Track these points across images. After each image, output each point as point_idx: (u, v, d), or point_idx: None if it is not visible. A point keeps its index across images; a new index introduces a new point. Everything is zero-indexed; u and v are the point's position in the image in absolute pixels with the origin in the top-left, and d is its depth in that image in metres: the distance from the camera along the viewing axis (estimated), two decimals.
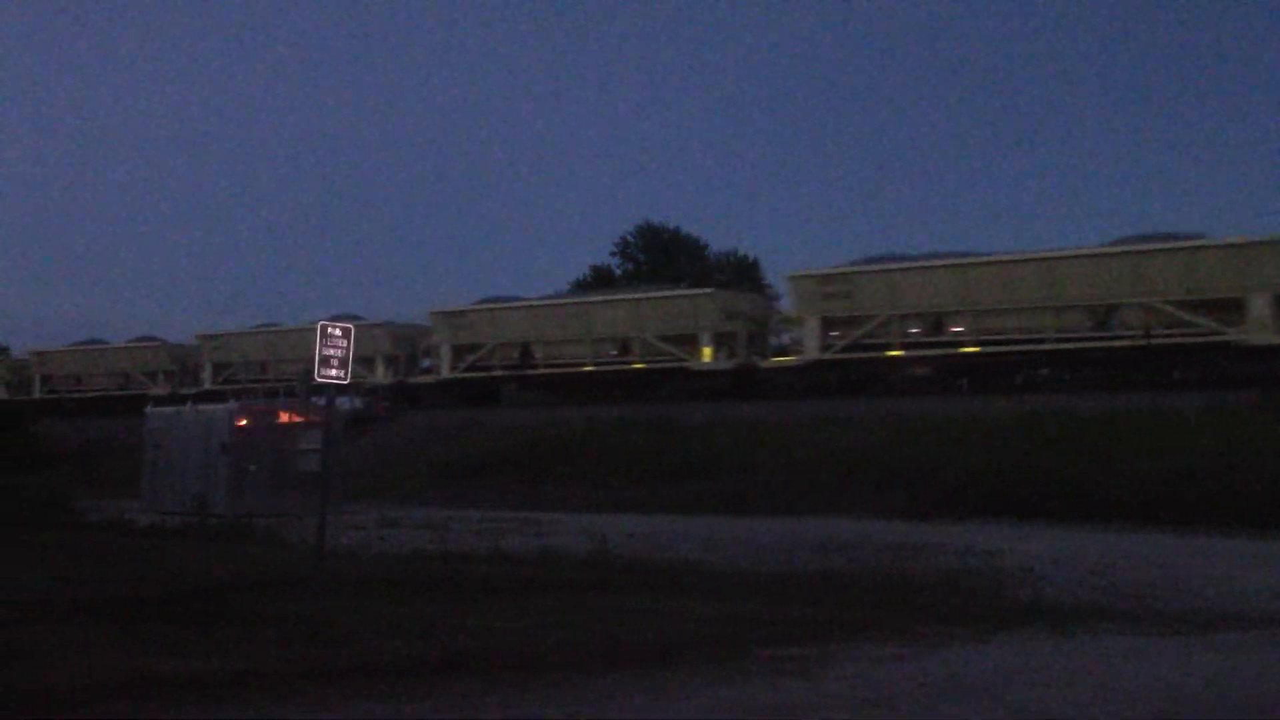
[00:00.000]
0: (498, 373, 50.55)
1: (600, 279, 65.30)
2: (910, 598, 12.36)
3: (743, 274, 63.08)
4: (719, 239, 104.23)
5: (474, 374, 50.65)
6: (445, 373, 51.01)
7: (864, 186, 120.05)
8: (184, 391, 53.09)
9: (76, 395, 62.34)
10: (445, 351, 51.18)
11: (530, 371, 49.74)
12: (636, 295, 48.60)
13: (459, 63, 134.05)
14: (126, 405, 52.69)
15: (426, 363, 53.31)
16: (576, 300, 50.67)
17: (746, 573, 14.97)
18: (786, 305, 46.66)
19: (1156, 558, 16.31)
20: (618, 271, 67.59)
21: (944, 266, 39.22)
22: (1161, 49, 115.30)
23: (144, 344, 62.74)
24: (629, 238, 69.19)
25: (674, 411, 38.45)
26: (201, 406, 29.94)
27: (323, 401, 14.50)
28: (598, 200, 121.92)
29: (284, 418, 28.10)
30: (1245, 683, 8.13)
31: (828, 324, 41.37)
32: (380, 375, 52.01)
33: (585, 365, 47.85)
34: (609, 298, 49.50)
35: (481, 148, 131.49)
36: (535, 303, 50.71)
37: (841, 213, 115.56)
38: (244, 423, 27.57)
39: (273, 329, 58.33)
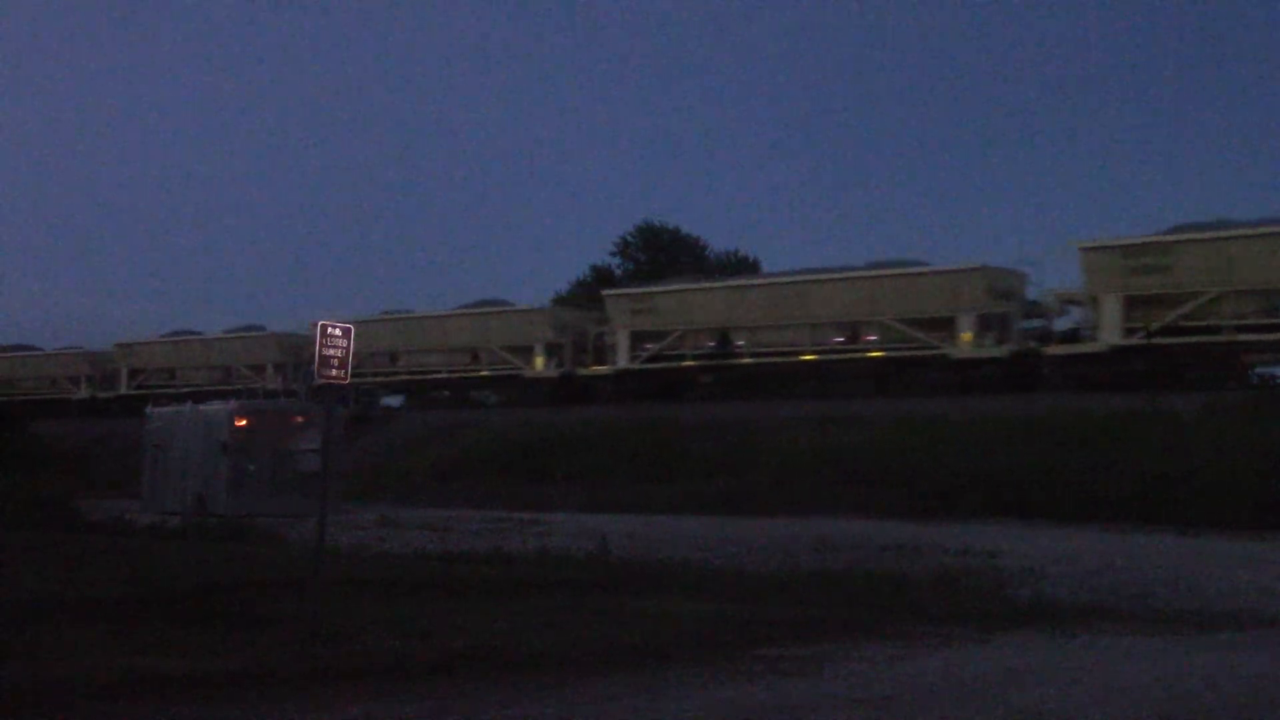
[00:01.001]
0: (689, 363, 43.49)
1: (600, 279, 65.30)
2: (910, 598, 12.37)
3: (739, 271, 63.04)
4: (719, 239, 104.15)
5: (659, 365, 44.01)
6: (623, 363, 44.48)
7: (864, 187, 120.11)
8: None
9: (169, 389, 60.72)
10: (621, 340, 44.52)
11: (731, 361, 42.33)
12: (877, 273, 41.18)
13: (459, 63, 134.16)
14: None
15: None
16: (791, 279, 42.56)
17: (746, 573, 14.97)
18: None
19: (1156, 558, 16.31)
20: (618, 272, 67.58)
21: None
22: (1161, 50, 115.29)
23: (247, 334, 62.13)
24: (629, 238, 69.19)
25: (675, 411, 38.43)
26: (202, 406, 29.96)
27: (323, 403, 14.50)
28: (598, 200, 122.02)
29: (284, 418, 28.12)
30: (1245, 682, 8.13)
31: None
32: (540, 367, 46.72)
33: (803, 353, 41.37)
34: (837, 276, 41.25)
35: (481, 147, 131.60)
36: (737, 282, 44.62)
37: (841, 213, 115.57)
38: (244, 423, 27.58)
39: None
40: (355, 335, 10.40)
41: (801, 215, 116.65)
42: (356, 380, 46.08)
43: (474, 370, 49.34)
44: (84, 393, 61.07)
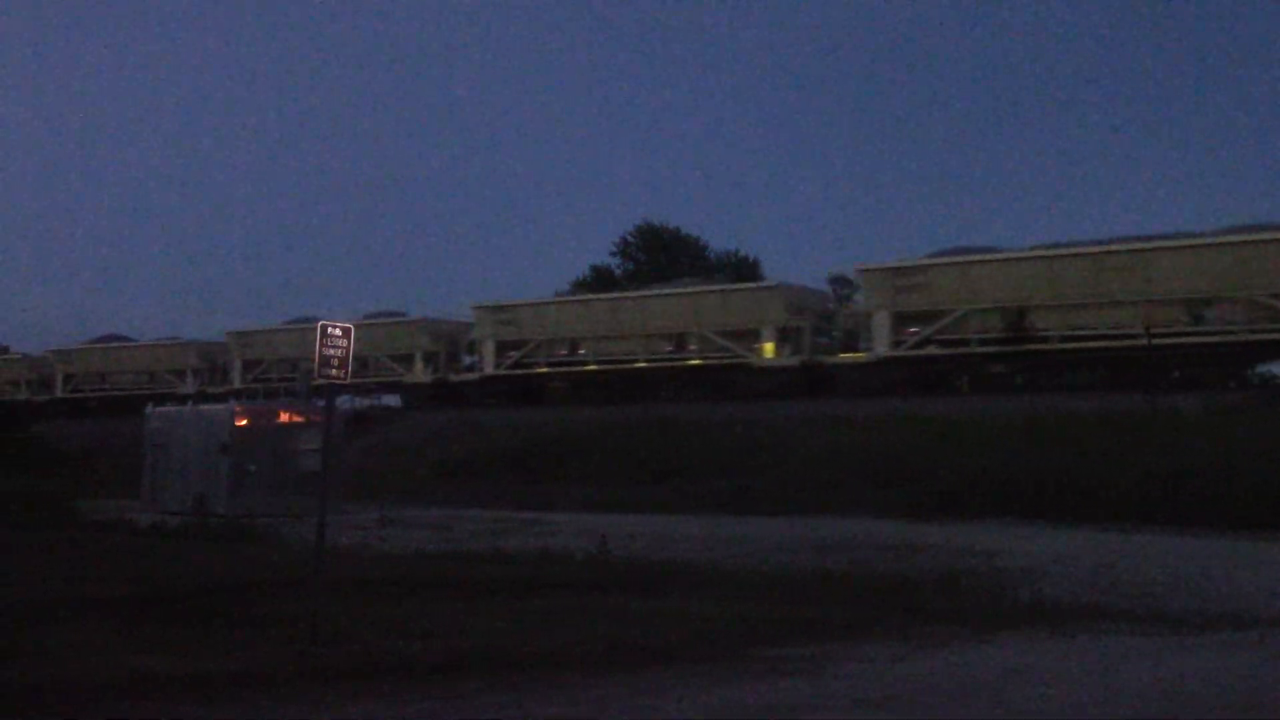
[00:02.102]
0: (976, 349, 39.37)
1: (600, 279, 65.31)
2: (910, 598, 12.36)
3: (743, 273, 63.08)
4: (719, 239, 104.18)
5: (933, 351, 40.21)
6: (882, 350, 40.32)
7: (864, 187, 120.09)
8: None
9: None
10: (881, 323, 40.40)
11: (1030, 347, 38.19)
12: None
13: (458, 63, 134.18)
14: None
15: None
16: (1120, 247, 36.94)
17: (746, 573, 14.96)
18: None
19: (1156, 558, 16.30)
20: (618, 272, 67.58)
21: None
22: (1160, 50, 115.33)
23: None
24: (629, 238, 69.22)
25: (674, 411, 38.43)
26: (202, 407, 29.94)
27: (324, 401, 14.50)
28: (598, 200, 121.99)
29: (284, 418, 28.11)
30: (1245, 682, 8.12)
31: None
32: (770, 353, 44.03)
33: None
34: (1180, 244, 36.15)
35: (481, 148, 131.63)
36: (1029, 253, 39.25)
37: (841, 213, 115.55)
38: (244, 423, 27.58)
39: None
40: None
41: (801, 215, 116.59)
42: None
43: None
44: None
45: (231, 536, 20.48)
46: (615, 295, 48.27)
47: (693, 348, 44.46)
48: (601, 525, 20.81)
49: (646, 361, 45.11)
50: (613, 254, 69.53)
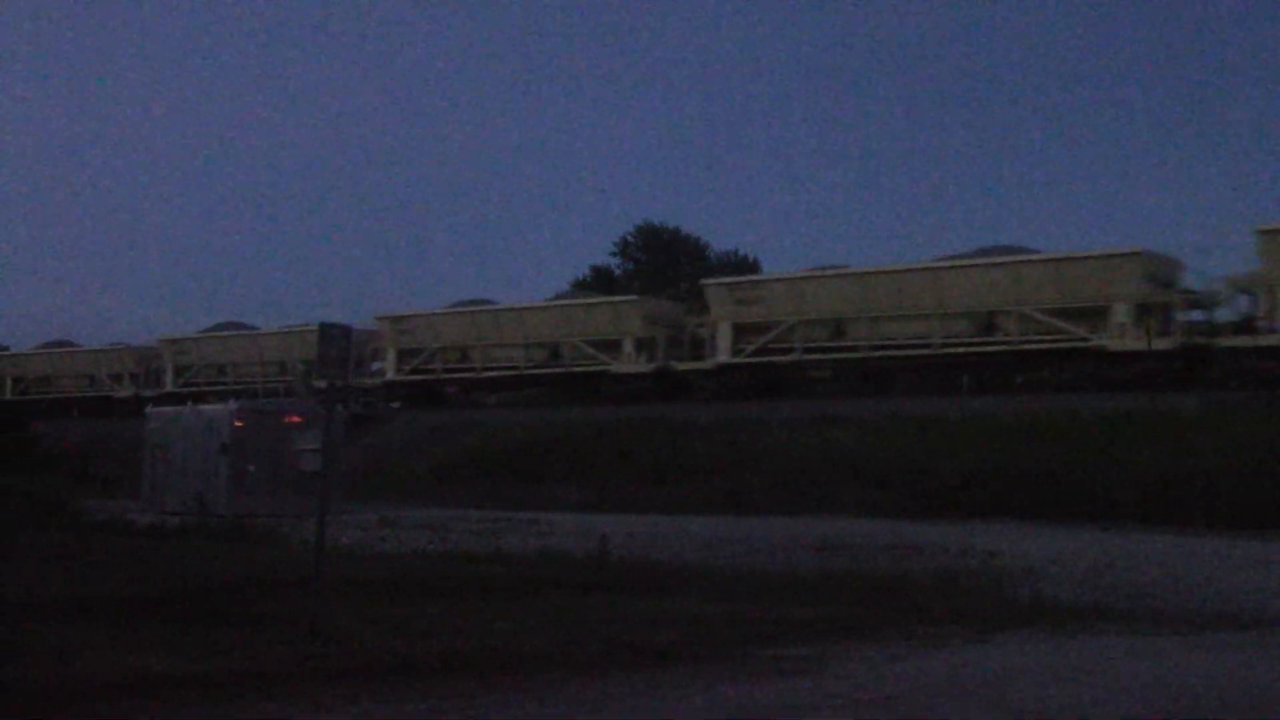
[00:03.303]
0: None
1: (600, 279, 65.34)
2: (910, 598, 12.37)
3: (743, 273, 63.08)
4: (719, 239, 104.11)
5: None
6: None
7: (864, 187, 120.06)
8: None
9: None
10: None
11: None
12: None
13: (458, 62, 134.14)
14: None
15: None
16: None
17: (746, 573, 14.97)
18: None
19: (1156, 558, 16.32)
20: (617, 272, 67.62)
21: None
22: (1159, 51, 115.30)
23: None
24: (629, 238, 69.25)
25: (673, 411, 38.48)
26: (202, 407, 29.96)
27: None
28: (598, 200, 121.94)
29: (284, 418, 28.12)
30: (1245, 682, 8.13)
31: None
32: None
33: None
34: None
35: (480, 148, 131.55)
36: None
37: (841, 213, 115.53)
38: (244, 423, 27.59)
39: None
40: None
41: (801, 215, 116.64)
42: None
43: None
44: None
45: (231, 536, 20.48)
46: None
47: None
48: (601, 525, 20.82)
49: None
50: (613, 254, 69.61)
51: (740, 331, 41.15)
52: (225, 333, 58.31)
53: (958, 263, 38.05)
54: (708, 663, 8.47)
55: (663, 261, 65.70)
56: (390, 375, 50.47)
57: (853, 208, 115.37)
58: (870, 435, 30.85)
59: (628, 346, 44.23)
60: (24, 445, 40.16)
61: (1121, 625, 10.77)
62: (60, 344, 65.15)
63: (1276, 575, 14.50)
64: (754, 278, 46.11)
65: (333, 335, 10.15)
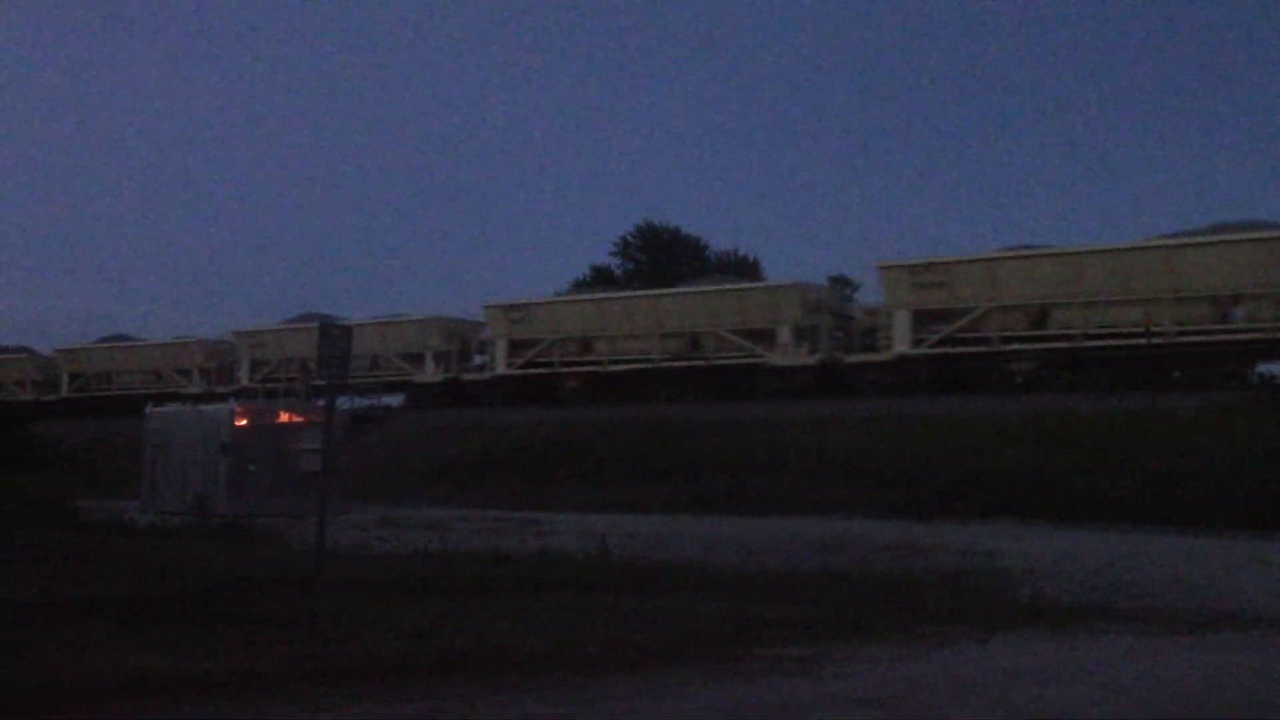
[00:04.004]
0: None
1: (600, 279, 65.32)
2: (910, 598, 12.37)
3: (744, 274, 63.06)
4: (719, 239, 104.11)
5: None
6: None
7: (864, 186, 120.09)
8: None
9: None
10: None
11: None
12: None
13: (458, 62, 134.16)
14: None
15: None
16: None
17: (746, 573, 14.97)
18: None
19: (1156, 558, 16.31)
20: (618, 272, 67.59)
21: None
22: (1160, 50, 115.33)
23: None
24: (629, 238, 69.22)
25: (673, 412, 38.46)
26: (202, 406, 29.95)
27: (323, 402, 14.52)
28: (598, 200, 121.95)
29: (284, 418, 28.13)
30: (1245, 682, 8.13)
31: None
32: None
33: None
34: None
35: (481, 147, 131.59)
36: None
37: (841, 213, 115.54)
38: (244, 423, 27.60)
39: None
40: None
41: (801, 215, 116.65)
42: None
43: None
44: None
45: (231, 536, 20.50)
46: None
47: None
48: (601, 525, 20.84)
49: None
50: (613, 254, 69.57)
51: (922, 319, 37.00)
52: (308, 324, 53.37)
53: (1189, 240, 33.82)
54: (708, 663, 8.47)
55: (663, 261, 65.65)
56: (500, 369, 46.37)
57: (852, 207, 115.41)
58: (870, 435, 30.84)
59: (785, 336, 40.06)
60: (24, 445, 40.19)
61: (1121, 625, 10.77)
62: (119, 339, 62.01)
63: (1277, 575, 14.50)
64: (939, 259, 39.22)
65: (333, 335, 10.15)
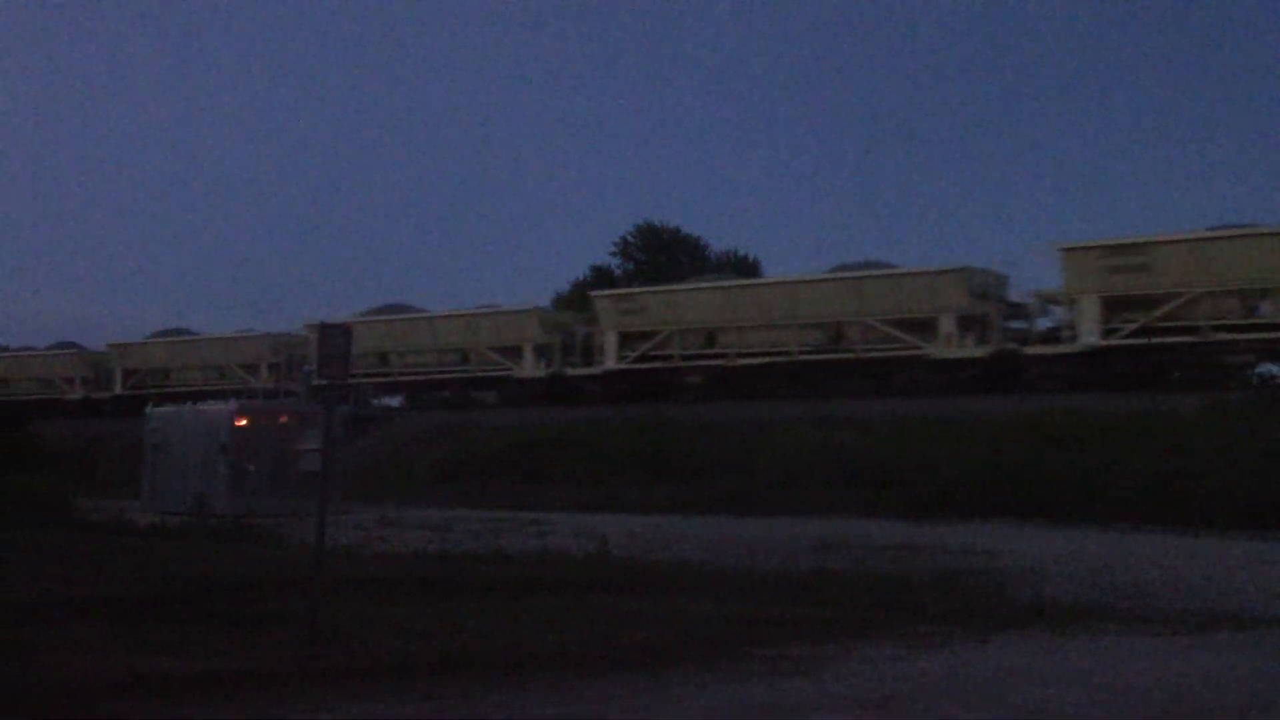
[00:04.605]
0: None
1: (600, 279, 65.33)
2: (910, 598, 12.37)
3: (741, 274, 62.97)
4: (719, 239, 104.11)
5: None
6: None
7: (864, 186, 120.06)
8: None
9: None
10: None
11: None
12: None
13: (458, 62, 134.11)
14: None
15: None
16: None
17: (746, 573, 14.97)
18: None
19: (1156, 558, 16.31)
20: (618, 272, 67.58)
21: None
22: (1162, 49, 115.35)
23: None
24: (629, 238, 69.21)
25: (673, 412, 38.43)
26: (202, 406, 29.96)
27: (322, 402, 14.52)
28: (598, 200, 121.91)
29: (284, 418, 28.13)
30: (1245, 682, 8.13)
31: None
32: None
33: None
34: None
35: (481, 147, 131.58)
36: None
37: (841, 213, 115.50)
38: (244, 423, 27.60)
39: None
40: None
41: (801, 215, 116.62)
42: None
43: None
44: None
45: (231, 536, 20.50)
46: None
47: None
48: (601, 525, 20.83)
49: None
50: (613, 254, 69.56)
51: (1113, 306, 33.75)
52: (389, 316, 50.19)
53: None
54: (708, 663, 8.47)
55: (663, 261, 65.64)
56: (610, 363, 42.35)
57: (853, 207, 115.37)
58: (870, 435, 30.84)
59: (947, 325, 36.51)
60: (24, 445, 40.15)
61: (1121, 625, 10.77)
62: (177, 333, 59.21)
63: (1276, 575, 14.49)
64: (1133, 239, 35.34)
65: (333, 335, 10.14)
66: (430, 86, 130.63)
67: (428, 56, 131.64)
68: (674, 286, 42.92)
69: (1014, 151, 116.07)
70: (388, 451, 40.94)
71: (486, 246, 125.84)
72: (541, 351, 45.51)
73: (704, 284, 42.40)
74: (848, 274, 39.71)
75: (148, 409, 31.69)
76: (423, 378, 49.07)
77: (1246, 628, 10.72)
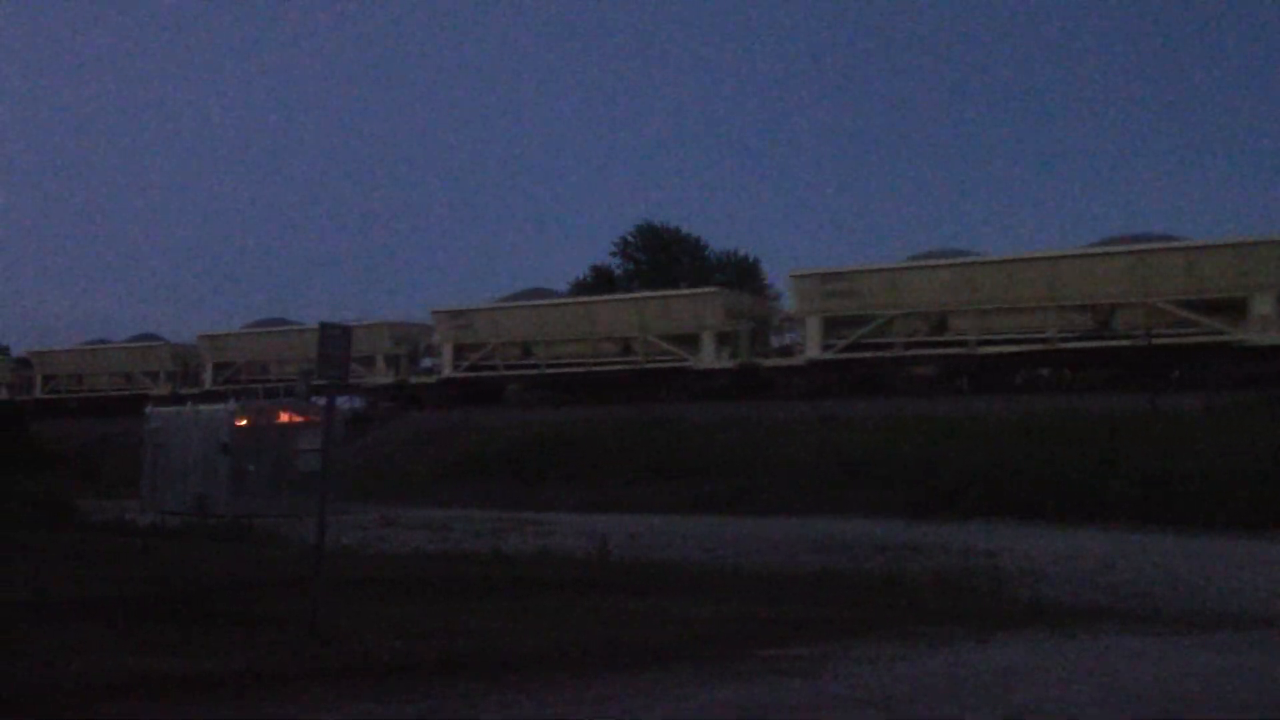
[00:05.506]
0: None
1: (600, 279, 65.31)
2: (910, 598, 12.37)
3: (743, 274, 62.97)
4: (719, 239, 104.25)
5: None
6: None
7: (864, 186, 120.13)
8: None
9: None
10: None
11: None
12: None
13: (459, 63, 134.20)
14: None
15: None
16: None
17: (746, 573, 14.97)
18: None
19: (1156, 558, 16.31)
20: (618, 271, 67.58)
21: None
22: (1163, 49, 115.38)
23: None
24: (629, 238, 69.22)
25: (674, 411, 38.44)
26: (202, 406, 29.96)
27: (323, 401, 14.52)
28: (598, 200, 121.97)
29: (284, 418, 28.12)
30: (1245, 682, 8.13)
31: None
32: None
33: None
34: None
35: (481, 147, 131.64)
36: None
37: (841, 212, 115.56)
38: (244, 423, 27.59)
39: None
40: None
41: (801, 215, 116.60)
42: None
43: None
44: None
45: (231, 536, 20.49)
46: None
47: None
48: (601, 525, 20.84)
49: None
50: (613, 254, 69.58)
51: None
52: (520, 303, 47.76)
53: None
54: (708, 663, 8.47)
55: (663, 261, 65.63)
56: (813, 352, 38.82)
57: (852, 207, 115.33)
58: (870, 435, 30.84)
59: (1264, 307, 31.76)
60: (24, 445, 40.18)
61: (1122, 625, 10.77)
62: (274, 323, 56.93)
63: (1277, 575, 14.49)
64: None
65: (333, 335, 10.13)
66: (429, 86, 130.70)
67: (426, 57, 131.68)
68: (895, 264, 38.81)
69: (1015, 152, 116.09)
70: (388, 451, 40.94)
71: (486, 247, 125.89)
72: (724, 339, 42.10)
73: (934, 261, 38.17)
74: (1124, 248, 35.35)
75: (147, 409, 31.68)
76: (576, 370, 45.30)
77: (1247, 628, 10.72)
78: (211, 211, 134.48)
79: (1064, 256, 35.48)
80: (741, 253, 67.70)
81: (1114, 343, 34.32)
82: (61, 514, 22.30)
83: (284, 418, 28.11)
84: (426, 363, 50.54)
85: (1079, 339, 34.64)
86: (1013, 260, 36.17)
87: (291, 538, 19.61)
